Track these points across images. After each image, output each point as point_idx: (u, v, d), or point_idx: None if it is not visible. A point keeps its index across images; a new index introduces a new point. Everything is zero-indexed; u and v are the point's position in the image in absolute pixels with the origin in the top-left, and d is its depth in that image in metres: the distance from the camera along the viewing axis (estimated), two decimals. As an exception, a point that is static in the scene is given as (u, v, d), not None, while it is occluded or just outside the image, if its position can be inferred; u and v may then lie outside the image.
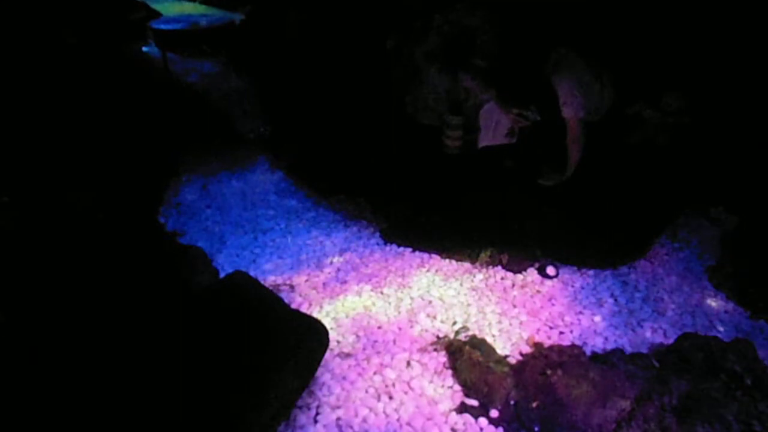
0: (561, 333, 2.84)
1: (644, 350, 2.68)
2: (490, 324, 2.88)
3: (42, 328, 2.26)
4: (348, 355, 2.64)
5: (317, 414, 2.33)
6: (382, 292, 3.12)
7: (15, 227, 2.48)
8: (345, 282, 3.22)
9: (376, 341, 2.75)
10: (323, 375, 2.50)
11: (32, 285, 2.38)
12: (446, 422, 2.31)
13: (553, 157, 3.43)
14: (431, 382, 2.51)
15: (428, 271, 3.33)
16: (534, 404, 2.30)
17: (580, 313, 2.99)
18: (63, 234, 2.73)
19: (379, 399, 2.42)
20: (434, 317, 2.93)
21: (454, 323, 2.88)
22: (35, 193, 2.77)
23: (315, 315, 2.67)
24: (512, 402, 2.36)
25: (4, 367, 2.02)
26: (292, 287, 3.14)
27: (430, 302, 3.05)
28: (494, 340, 2.74)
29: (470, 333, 2.76)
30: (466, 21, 3.95)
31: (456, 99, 3.89)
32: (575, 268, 3.36)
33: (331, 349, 2.59)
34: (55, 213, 2.78)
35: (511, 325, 2.89)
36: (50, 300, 2.39)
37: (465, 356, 2.52)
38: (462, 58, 3.91)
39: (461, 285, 3.20)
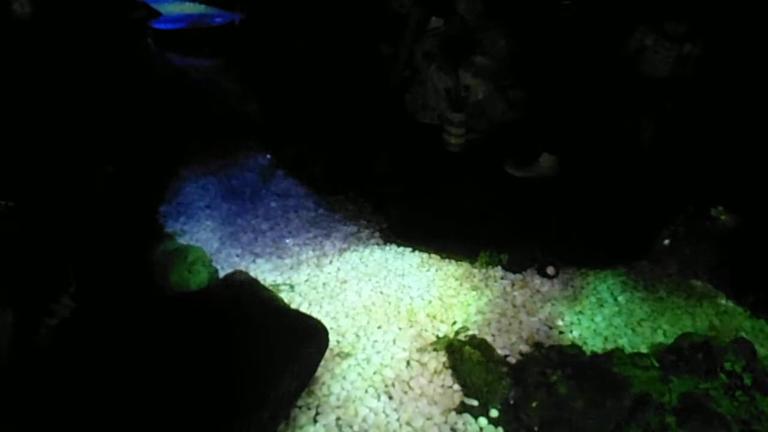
0: (561, 333, 2.84)
1: (644, 350, 2.68)
2: (489, 324, 2.88)
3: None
4: (348, 355, 2.64)
5: (317, 414, 2.33)
6: (381, 292, 3.12)
7: (19, 232, 2.48)
8: (345, 282, 3.22)
9: (376, 341, 2.75)
10: (323, 375, 2.50)
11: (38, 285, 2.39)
12: (446, 422, 2.31)
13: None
14: (431, 381, 2.51)
15: (428, 271, 3.33)
16: (534, 404, 2.29)
17: (580, 313, 3.00)
18: (63, 234, 2.73)
19: (379, 399, 2.42)
20: (434, 317, 2.93)
21: (454, 323, 2.88)
22: (36, 193, 2.77)
23: (315, 315, 2.67)
24: (512, 402, 2.36)
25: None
26: (292, 287, 3.14)
27: (430, 302, 3.05)
28: (494, 340, 2.74)
29: (470, 333, 2.76)
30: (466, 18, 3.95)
31: (457, 96, 3.89)
32: (575, 268, 3.35)
33: (331, 349, 2.58)
34: (55, 213, 2.78)
35: (510, 324, 2.89)
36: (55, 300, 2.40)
37: (465, 356, 2.52)
38: (462, 56, 3.92)
39: (461, 285, 3.20)
